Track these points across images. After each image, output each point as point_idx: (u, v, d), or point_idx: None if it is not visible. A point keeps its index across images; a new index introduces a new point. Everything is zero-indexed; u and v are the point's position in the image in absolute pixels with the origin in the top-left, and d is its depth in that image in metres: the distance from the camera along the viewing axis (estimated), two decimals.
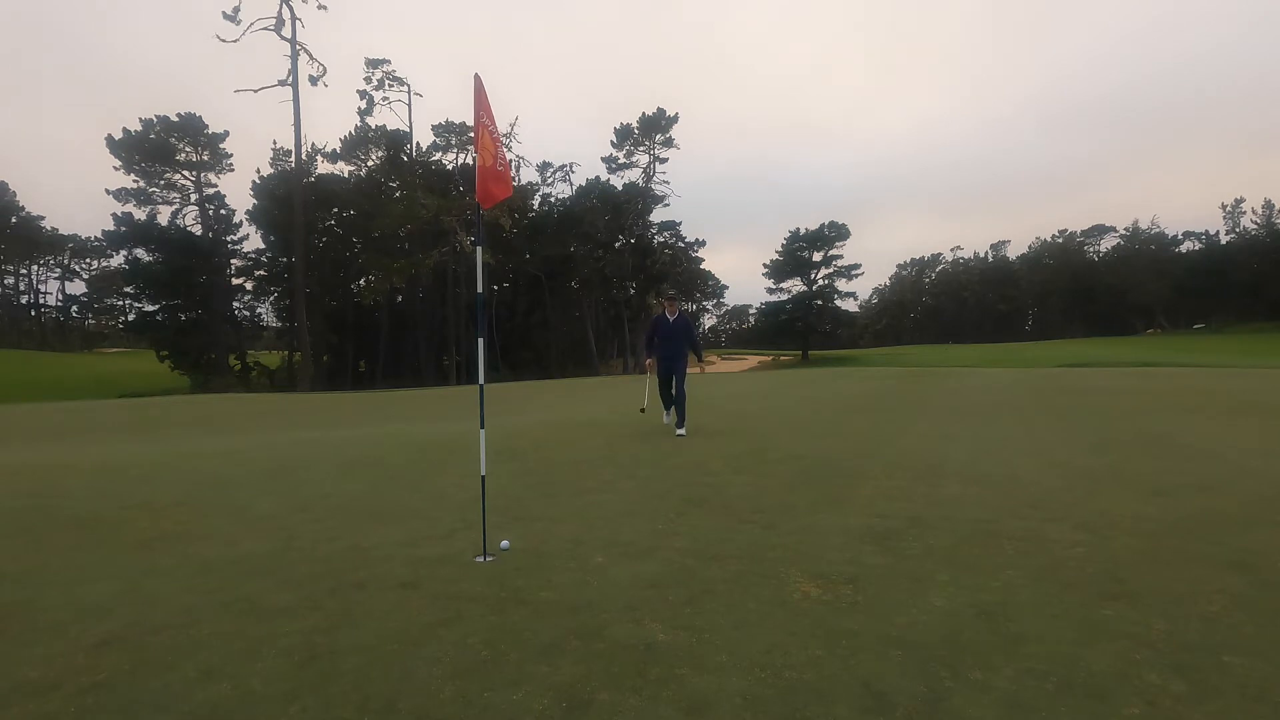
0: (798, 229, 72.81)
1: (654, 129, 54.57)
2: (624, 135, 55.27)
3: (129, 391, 34.91)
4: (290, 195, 40.67)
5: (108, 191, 46.41)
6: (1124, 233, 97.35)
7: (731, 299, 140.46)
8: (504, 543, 3.57)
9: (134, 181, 46.77)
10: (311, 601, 2.79)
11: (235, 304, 51.52)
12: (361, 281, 49.52)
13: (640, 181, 55.90)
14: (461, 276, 48.17)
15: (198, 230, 48.49)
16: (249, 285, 52.37)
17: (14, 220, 71.49)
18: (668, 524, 3.96)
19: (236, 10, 36.57)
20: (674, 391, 7.92)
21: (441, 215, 43.89)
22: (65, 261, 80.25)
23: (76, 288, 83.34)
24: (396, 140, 48.67)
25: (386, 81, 46.68)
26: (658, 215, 58.32)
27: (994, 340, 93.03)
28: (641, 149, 55.60)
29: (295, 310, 42.22)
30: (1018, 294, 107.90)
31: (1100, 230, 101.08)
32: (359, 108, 47.08)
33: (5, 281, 78.29)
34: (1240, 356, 38.69)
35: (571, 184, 58.76)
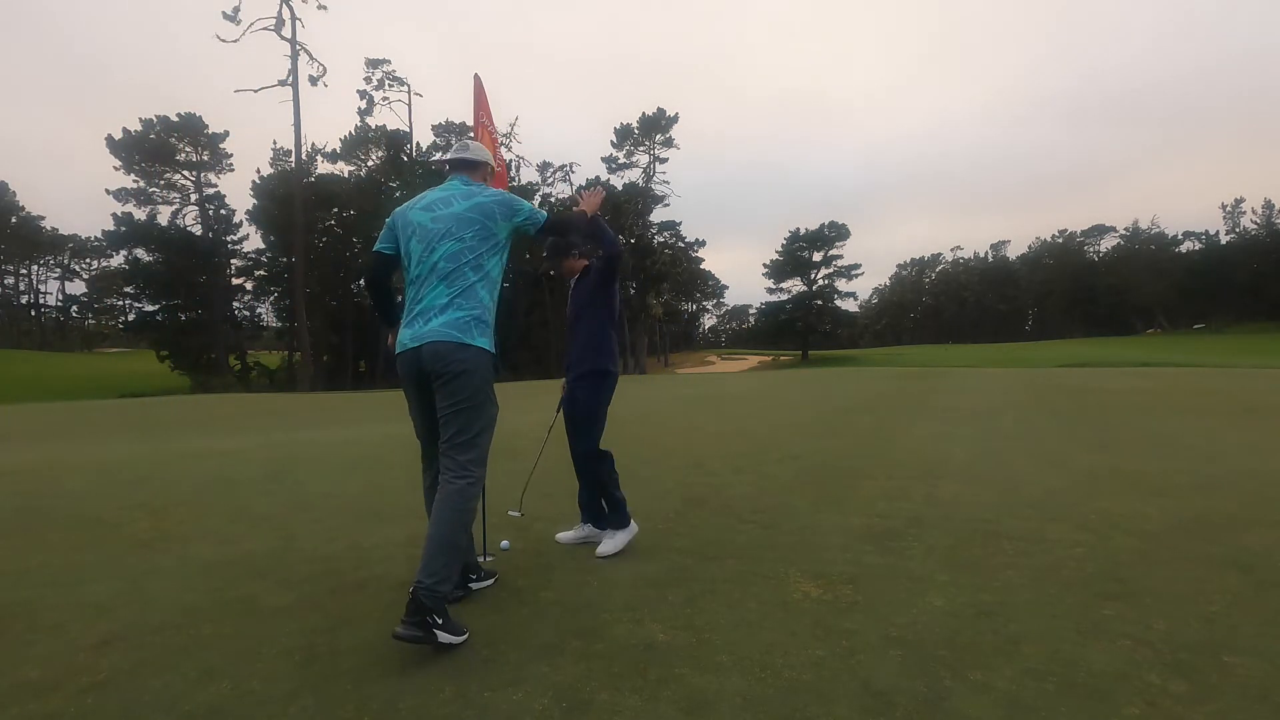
0: (798, 229, 73.01)
1: (654, 129, 54.58)
2: (624, 135, 55.29)
3: (129, 391, 34.90)
4: (290, 195, 40.68)
5: (108, 191, 46.48)
6: (1124, 233, 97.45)
7: (731, 299, 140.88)
8: (504, 543, 3.57)
9: (134, 181, 46.82)
10: (311, 601, 2.79)
11: (235, 304, 51.54)
12: (361, 281, 49.48)
13: (640, 181, 55.93)
14: None
15: (198, 230, 48.53)
16: (249, 285, 52.41)
17: (14, 220, 71.48)
18: (668, 524, 3.96)
19: (236, 10, 36.60)
20: (573, 452, 3.45)
21: None
22: (65, 261, 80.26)
23: (76, 288, 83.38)
24: (396, 140, 48.69)
25: (386, 81, 46.73)
26: (658, 215, 58.34)
27: (994, 340, 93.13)
28: (641, 149, 55.63)
29: (295, 310, 42.21)
30: (1018, 294, 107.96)
31: (1100, 230, 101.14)
32: (359, 108, 47.13)
33: (5, 281, 78.30)
34: (1240, 356, 38.69)
35: (571, 184, 58.79)
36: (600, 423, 3.45)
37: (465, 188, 2.78)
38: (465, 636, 2.39)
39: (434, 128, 49.84)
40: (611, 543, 3.38)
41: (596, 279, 3.46)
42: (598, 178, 56.34)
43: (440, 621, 2.29)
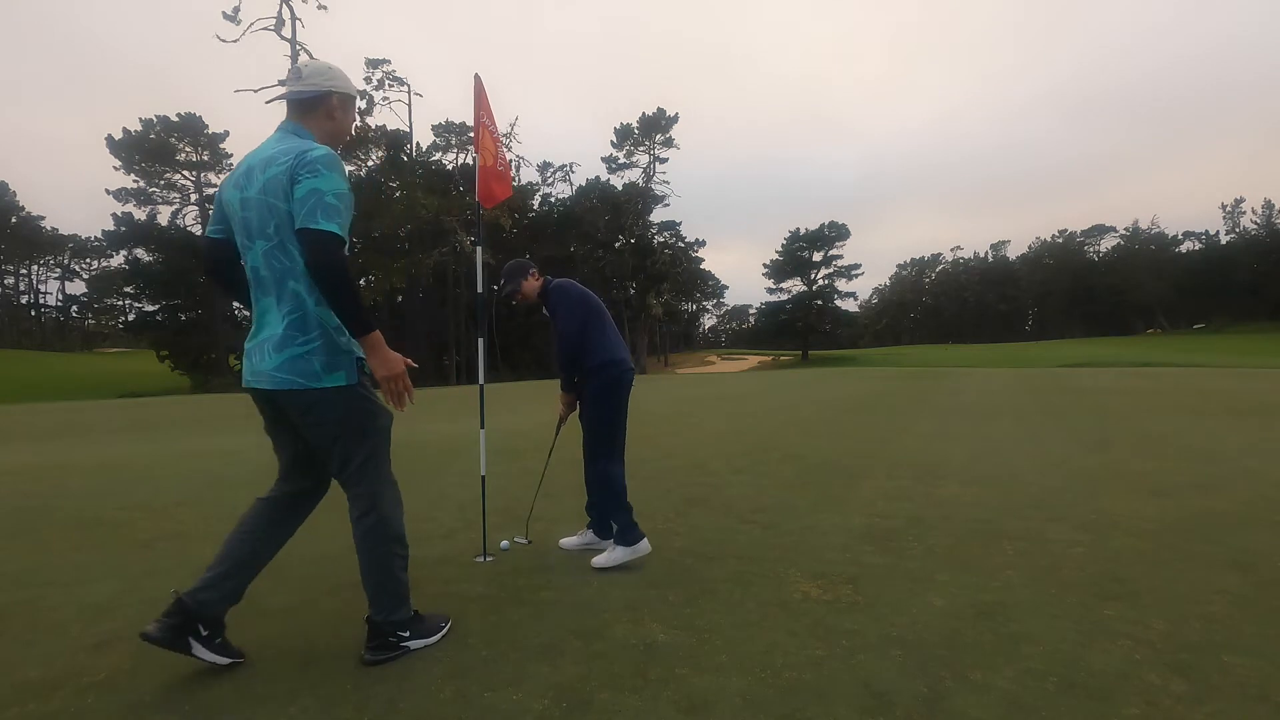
0: (798, 229, 73.17)
1: (654, 129, 54.58)
2: (624, 135, 55.29)
3: (129, 391, 34.90)
4: None
5: (108, 191, 46.56)
6: (1124, 233, 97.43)
7: (731, 299, 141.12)
8: (504, 543, 3.57)
9: (134, 181, 46.85)
10: (311, 601, 2.79)
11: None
12: (361, 281, 49.48)
13: (640, 181, 55.93)
14: (461, 276, 48.19)
15: (198, 230, 48.50)
16: None
17: (14, 220, 71.53)
18: (668, 524, 3.96)
19: (236, 10, 36.55)
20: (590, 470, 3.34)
21: (441, 215, 43.87)
22: (65, 261, 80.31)
23: (76, 288, 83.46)
24: (396, 140, 48.67)
25: (386, 81, 46.69)
26: (658, 215, 58.37)
27: (994, 340, 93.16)
28: (641, 149, 55.64)
29: None
30: (1018, 294, 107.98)
31: (1100, 230, 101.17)
32: (359, 108, 47.07)
33: (5, 281, 78.35)
34: (1240, 356, 38.69)
35: (571, 184, 58.89)
36: (614, 428, 3.25)
37: (277, 147, 2.05)
38: (445, 628, 2.40)
39: (434, 128, 49.85)
40: (609, 556, 3.18)
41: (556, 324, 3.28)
42: (598, 178, 56.34)
43: (406, 634, 2.25)
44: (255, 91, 40.08)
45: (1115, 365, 32.87)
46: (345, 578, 3.09)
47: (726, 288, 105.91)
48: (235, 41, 37.30)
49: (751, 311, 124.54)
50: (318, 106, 2.16)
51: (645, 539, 3.21)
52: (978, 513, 4.06)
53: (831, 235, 71.67)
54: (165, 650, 2.06)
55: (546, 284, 3.39)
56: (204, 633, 2.09)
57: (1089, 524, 3.76)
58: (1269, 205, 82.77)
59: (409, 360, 2.19)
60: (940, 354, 61.82)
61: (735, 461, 6.12)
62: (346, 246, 2.01)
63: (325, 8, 38.57)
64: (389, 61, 46.73)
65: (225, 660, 2.15)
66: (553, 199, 58.68)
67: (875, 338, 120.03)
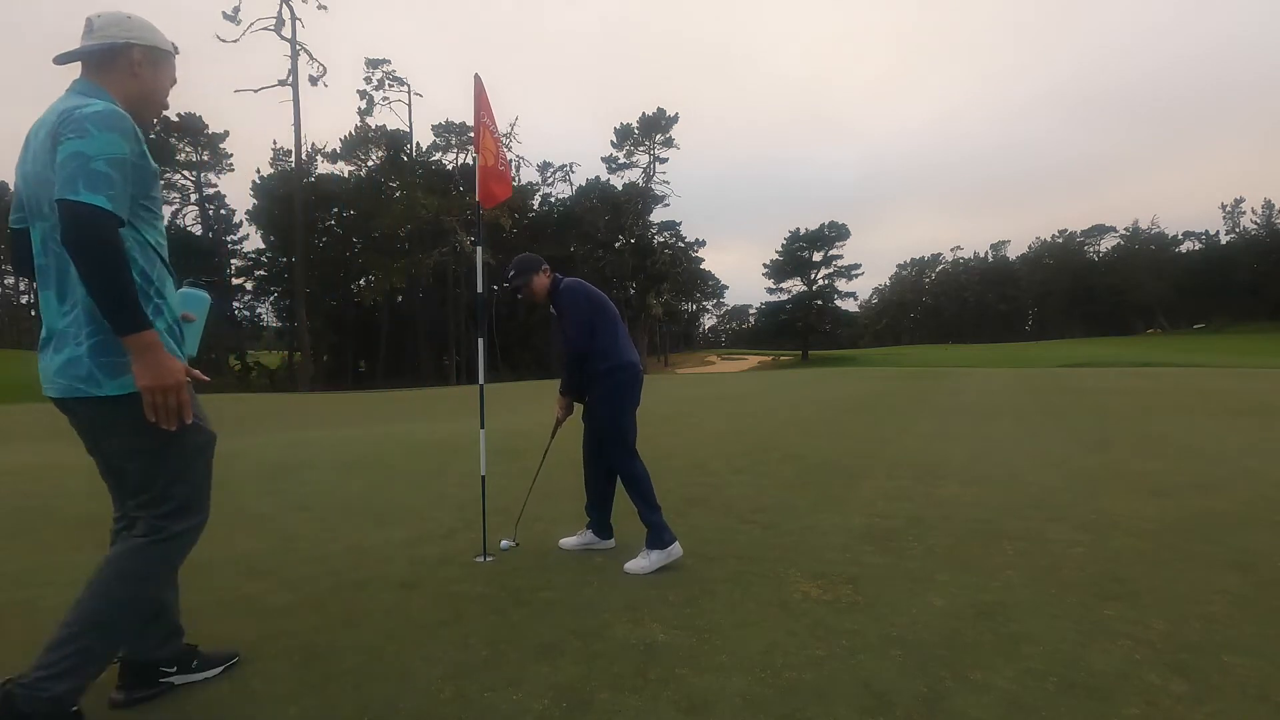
0: (798, 229, 73.17)
1: (654, 129, 54.58)
2: (624, 135, 55.30)
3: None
4: (290, 195, 40.68)
5: None
6: (1124, 233, 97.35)
7: (731, 299, 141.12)
8: (504, 542, 3.57)
9: None
10: (311, 601, 2.79)
11: (235, 304, 51.53)
12: (361, 281, 49.53)
13: (640, 181, 55.93)
14: (461, 276, 48.20)
15: (198, 230, 48.61)
16: (249, 285, 52.47)
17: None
18: (668, 523, 3.95)
19: (236, 10, 36.59)
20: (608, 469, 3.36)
21: (441, 215, 43.88)
22: None
23: None
24: (396, 140, 48.68)
25: (386, 81, 46.74)
26: (657, 215, 58.36)
27: (994, 340, 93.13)
28: (641, 149, 55.64)
29: (295, 310, 42.24)
30: (1018, 294, 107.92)
31: (1100, 230, 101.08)
32: (359, 108, 47.11)
33: (5, 281, 78.33)
34: (1240, 356, 38.68)
35: (571, 184, 58.91)
36: (624, 431, 3.21)
37: (53, 108, 1.72)
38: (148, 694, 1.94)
39: (434, 128, 49.83)
40: (644, 560, 3.10)
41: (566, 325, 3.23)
42: (598, 178, 56.35)
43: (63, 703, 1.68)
44: (255, 91, 40.18)
45: (1115, 365, 32.87)
46: (347, 577, 3.10)
47: (726, 288, 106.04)
48: (235, 41, 37.37)
49: (751, 311, 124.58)
50: (114, 61, 1.81)
51: (677, 541, 3.17)
52: (978, 513, 4.06)
53: (831, 235, 71.66)
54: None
55: (556, 283, 3.32)
56: (172, 669, 2.01)
57: (1089, 524, 3.76)
58: (1269, 205, 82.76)
59: (197, 373, 1.83)
60: (940, 354, 61.82)
61: (735, 461, 6.12)
62: (123, 225, 1.62)
63: (325, 8, 38.63)
64: (389, 61, 46.81)
65: (217, 669, 2.11)
66: (553, 199, 58.71)
67: (875, 338, 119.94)
